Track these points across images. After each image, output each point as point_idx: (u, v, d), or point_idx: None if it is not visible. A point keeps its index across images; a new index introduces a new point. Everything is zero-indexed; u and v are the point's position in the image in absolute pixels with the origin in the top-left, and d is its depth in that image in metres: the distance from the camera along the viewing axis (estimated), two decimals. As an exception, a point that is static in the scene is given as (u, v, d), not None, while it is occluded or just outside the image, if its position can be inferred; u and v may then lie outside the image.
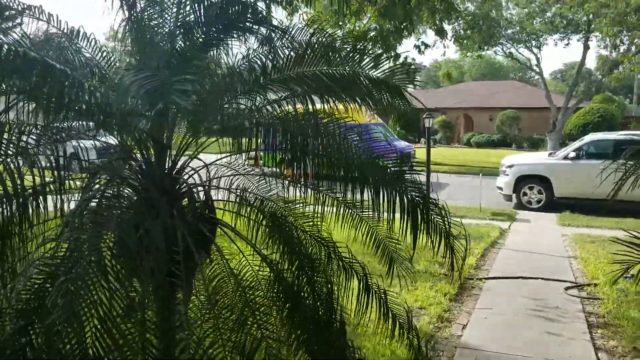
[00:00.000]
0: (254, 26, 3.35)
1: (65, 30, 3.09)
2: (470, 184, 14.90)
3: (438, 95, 36.47)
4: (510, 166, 13.76)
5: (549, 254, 8.93)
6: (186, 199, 3.18)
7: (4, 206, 2.54)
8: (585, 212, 11.98)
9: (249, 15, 3.35)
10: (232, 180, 3.44)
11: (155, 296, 2.81)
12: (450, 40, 16.56)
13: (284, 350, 2.67)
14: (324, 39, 3.39)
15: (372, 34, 9.49)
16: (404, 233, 2.89)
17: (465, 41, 21.94)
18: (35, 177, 2.64)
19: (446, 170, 19.85)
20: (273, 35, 3.38)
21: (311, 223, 3.25)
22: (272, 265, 3.06)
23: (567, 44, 26.16)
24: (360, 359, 3.36)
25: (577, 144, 13.80)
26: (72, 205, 2.78)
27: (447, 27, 13.06)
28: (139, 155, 3.15)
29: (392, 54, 9.09)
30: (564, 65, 67.11)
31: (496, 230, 10.38)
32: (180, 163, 3.21)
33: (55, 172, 2.69)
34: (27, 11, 2.67)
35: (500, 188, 13.89)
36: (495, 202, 13.56)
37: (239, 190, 3.22)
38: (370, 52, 3.52)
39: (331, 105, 3.27)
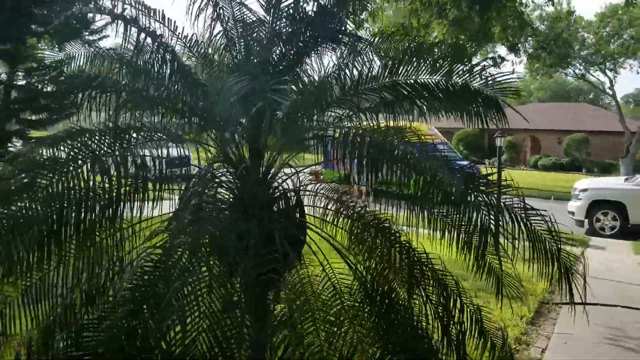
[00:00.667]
0: (342, 37, 3.44)
1: (179, 35, 3.27)
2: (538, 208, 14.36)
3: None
4: (584, 190, 13.18)
5: (625, 282, 8.53)
6: (277, 204, 3.26)
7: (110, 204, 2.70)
8: (663, 241, 11.36)
9: (338, 27, 3.45)
10: (320, 187, 3.49)
11: (249, 295, 2.87)
12: (521, 60, 16.24)
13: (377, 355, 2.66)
14: (407, 46, 3.41)
15: (443, 46, 9.37)
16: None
17: (535, 61, 21.41)
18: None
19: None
20: (360, 45, 3.48)
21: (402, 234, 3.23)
22: (359, 272, 3.07)
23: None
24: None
25: (656, 169, 13.21)
26: (167, 205, 2.94)
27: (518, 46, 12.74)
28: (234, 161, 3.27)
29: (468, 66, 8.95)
30: (635, 89, 64.55)
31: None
32: (272, 170, 3.30)
33: (157, 173, 2.86)
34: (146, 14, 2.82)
35: (572, 213, 13.33)
36: (566, 227, 12.99)
37: (335, 196, 3.26)
38: (461, 59, 3.49)
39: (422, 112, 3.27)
